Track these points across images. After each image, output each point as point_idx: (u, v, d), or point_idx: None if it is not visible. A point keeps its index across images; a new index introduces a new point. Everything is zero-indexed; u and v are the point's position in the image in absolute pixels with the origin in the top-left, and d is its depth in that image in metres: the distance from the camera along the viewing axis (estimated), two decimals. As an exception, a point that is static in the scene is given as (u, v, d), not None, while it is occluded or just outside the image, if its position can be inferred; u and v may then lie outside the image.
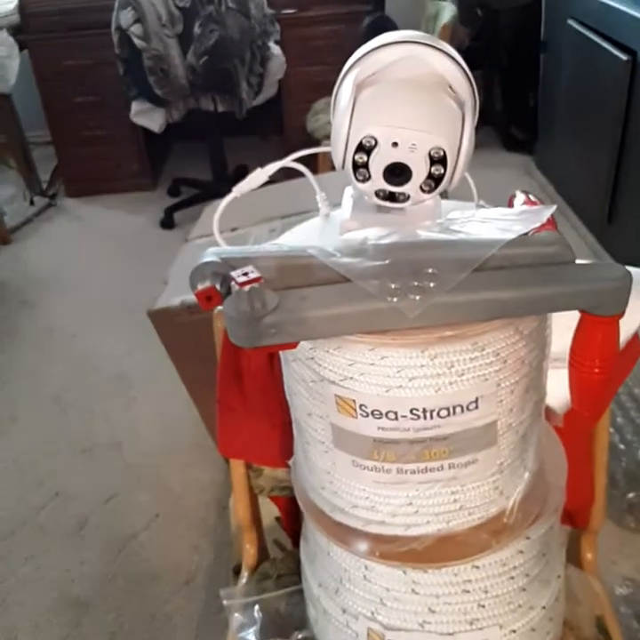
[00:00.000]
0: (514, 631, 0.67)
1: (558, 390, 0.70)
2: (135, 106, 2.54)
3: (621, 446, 1.35)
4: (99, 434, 1.84)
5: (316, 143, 2.35)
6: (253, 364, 0.82)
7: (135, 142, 3.05)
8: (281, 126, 3.10)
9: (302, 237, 0.67)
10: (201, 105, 2.53)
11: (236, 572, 1.24)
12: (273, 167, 0.66)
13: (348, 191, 0.64)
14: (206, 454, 1.69)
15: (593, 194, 2.26)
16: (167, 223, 2.86)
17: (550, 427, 0.74)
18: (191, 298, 1.56)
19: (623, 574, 1.26)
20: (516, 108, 3.12)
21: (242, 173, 3.13)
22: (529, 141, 2.99)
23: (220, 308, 0.86)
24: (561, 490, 0.68)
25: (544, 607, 0.69)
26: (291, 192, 1.87)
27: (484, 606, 0.65)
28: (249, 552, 0.96)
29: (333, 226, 0.67)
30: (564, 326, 0.60)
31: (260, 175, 0.67)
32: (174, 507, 1.59)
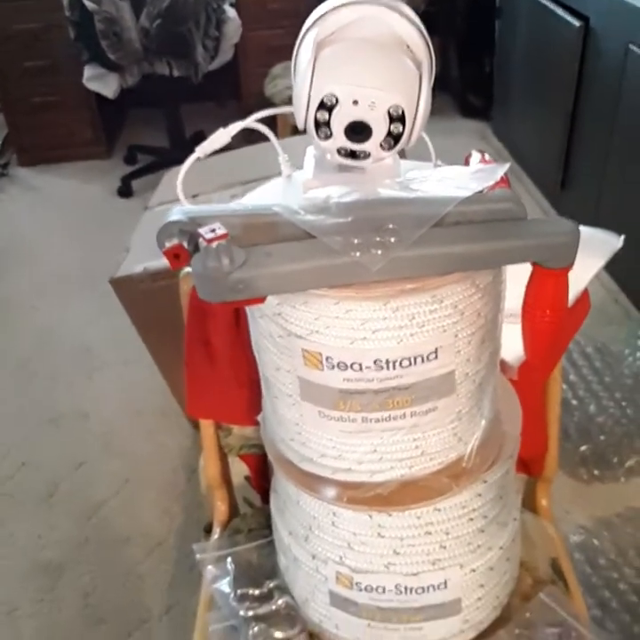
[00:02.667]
0: (473, 570, 0.71)
1: (513, 345, 0.74)
2: (88, 71, 2.48)
3: (574, 402, 1.41)
4: (64, 403, 1.83)
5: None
6: (220, 324, 0.84)
7: (89, 109, 2.97)
8: (238, 92, 3.06)
9: (265, 197, 0.69)
10: (156, 69, 2.48)
11: (207, 531, 1.27)
12: (235, 127, 0.67)
13: (310, 151, 0.66)
14: (173, 420, 1.71)
15: (547, 159, 2.31)
16: (124, 191, 2.82)
17: (505, 379, 0.78)
18: (153, 265, 1.57)
19: (576, 523, 1.33)
20: (471, 74, 3.14)
21: (199, 139, 3.04)
22: (485, 107, 3.01)
23: (186, 270, 0.88)
24: (516, 437, 0.72)
25: (502, 548, 0.73)
26: (250, 158, 1.86)
27: (445, 547, 0.69)
28: (220, 509, 0.98)
29: (295, 186, 0.68)
30: (517, 283, 0.63)
31: (222, 135, 0.68)
32: (143, 472, 1.61)
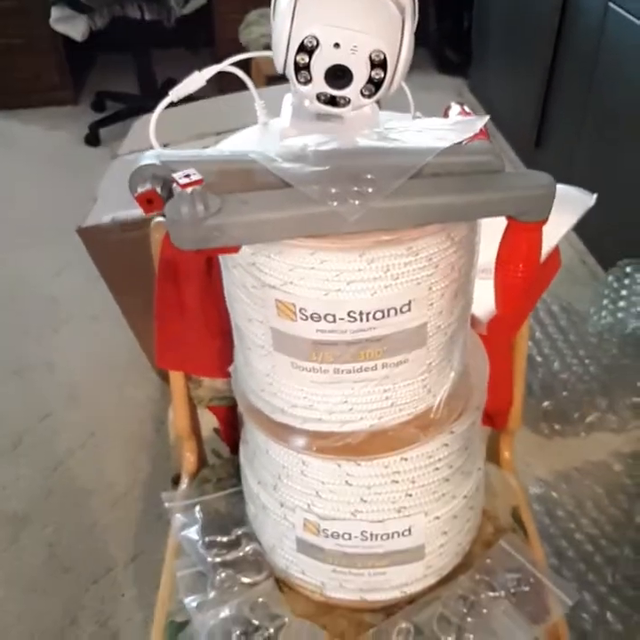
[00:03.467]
0: (437, 517, 0.73)
1: (483, 300, 0.75)
2: (55, 12, 2.37)
3: (539, 359, 1.44)
4: (30, 355, 1.81)
5: (250, 57, 2.27)
6: (191, 273, 0.83)
7: (55, 52, 2.87)
8: (211, 38, 2.97)
9: (240, 145, 0.68)
10: (127, 12, 2.38)
11: (175, 482, 1.28)
12: (210, 71, 0.65)
13: (288, 99, 0.65)
14: (141, 373, 1.70)
15: (522, 117, 2.30)
16: (92, 140, 2.74)
17: (475, 334, 0.79)
18: (123, 215, 1.54)
19: (537, 476, 1.37)
20: (450, 29, 3.10)
21: (171, 86, 2.98)
22: (462, 63, 2.99)
23: (157, 219, 0.87)
24: (483, 390, 0.73)
25: (465, 496, 0.75)
26: (224, 108, 1.82)
27: (411, 495, 0.70)
28: (189, 460, 0.99)
29: (271, 135, 0.67)
30: (491, 239, 0.64)
31: (197, 79, 0.66)
32: (110, 424, 1.61)
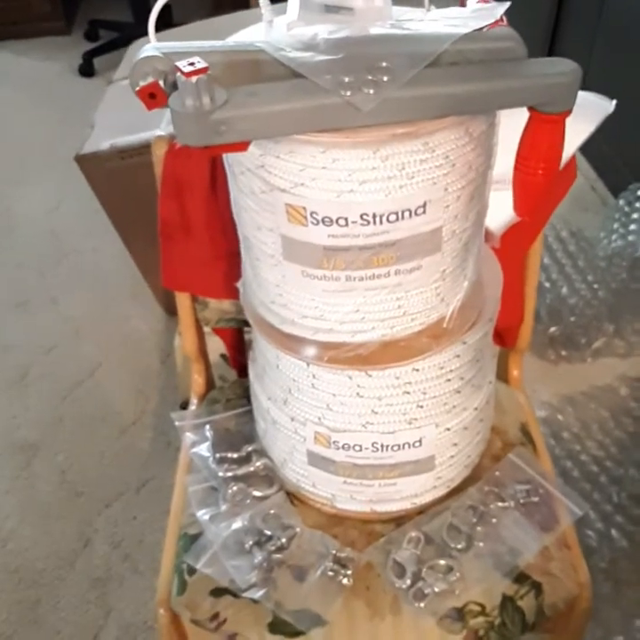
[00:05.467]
0: (448, 429, 0.73)
1: (497, 213, 0.73)
2: None
3: (547, 285, 1.43)
4: (32, 288, 1.80)
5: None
6: (196, 189, 0.81)
7: (45, -21, 2.75)
8: (207, -38, 2.85)
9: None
10: None
11: (183, 407, 1.29)
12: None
13: (294, -8, 0.61)
14: (145, 304, 1.69)
15: (534, 32, 2.22)
16: (86, 70, 2.66)
17: (487, 247, 0.77)
18: (121, 141, 1.50)
19: (542, 400, 1.38)
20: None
21: (166, 13, 2.89)
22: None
23: (158, 133, 0.84)
24: (496, 300, 0.72)
25: (476, 408, 0.75)
26: (220, 28, 1.75)
27: (422, 407, 0.70)
28: (197, 382, 0.99)
29: (276, 32, 0.64)
30: (504, 149, 0.61)
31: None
32: (116, 356, 1.61)
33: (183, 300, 0.92)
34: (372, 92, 0.48)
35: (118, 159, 1.41)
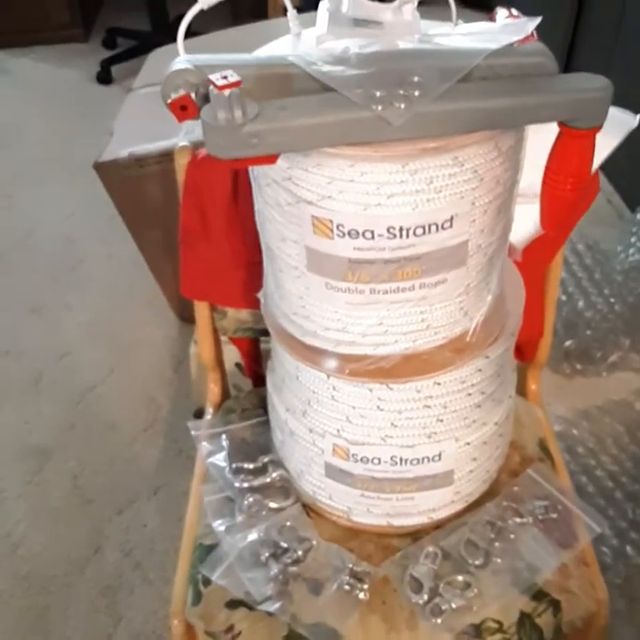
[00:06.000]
0: (468, 443, 0.73)
1: (519, 226, 0.73)
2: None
3: (563, 298, 1.42)
4: (47, 294, 1.81)
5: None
6: (218, 199, 0.81)
7: (65, -11, 2.78)
8: (224, -28, 2.87)
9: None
10: (138, -58, 2.29)
11: (197, 416, 1.29)
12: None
13: (323, 5, 0.61)
14: (158, 311, 1.70)
15: (551, 45, 2.22)
16: (104, 77, 2.68)
17: (510, 260, 0.77)
18: (139, 149, 1.50)
19: (557, 414, 1.37)
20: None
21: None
22: (486, -2, 2.87)
23: (181, 143, 0.84)
24: (518, 315, 0.72)
25: (496, 423, 0.75)
26: (239, 39, 1.76)
27: (442, 421, 0.70)
28: (213, 391, 0.99)
29: (304, 45, 0.64)
30: (529, 163, 0.61)
31: (228, -15, 0.62)
32: (129, 362, 1.61)
33: (202, 310, 0.92)
34: (403, 106, 0.48)
35: (136, 167, 1.42)
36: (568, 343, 1.39)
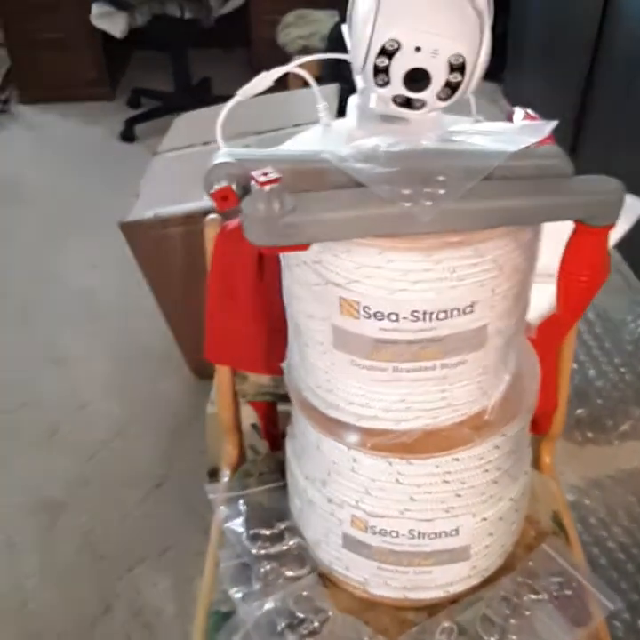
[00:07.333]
0: (485, 519, 0.74)
1: (534, 304, 0.75)
2: (96, 8, 2.41)
3: (574, 366, 1.44)
4: (66, 345, 1.84)
5: (287, 57, 2.29)
6: (245, 271, 0.84)
7: (94, 48, 2.91)
8: (246, 38, 2.99)
9: (304, 146, 0.69)
10: (167, 11, 2.41)
11: (212, 475, 1.30)
12: (278, 71, 0.67)
13: (353, 100, 0.66)
14: (175, 368, 1.72)
15: (558, 124, 2.29)
16: (128, 136, 2.78)
17: (525, 338, 0.79)
18: (164, 211, 1.56)
19: (570, 483, 1.37)
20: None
21: (206, 85, 3.03)
22: (496, 68, 2.97)
23: (211, 216, 0.88)
24: (534, 393, 0.74)
25: (512, 499, 0.76)
26: (261, 108, 1.84)
27: (460, 496, 0.71)
28: (231, 453, 1.00)
29: (335, 135, 0.68)
30: (545, 245, 0.64)
31: (265, 78, 0.67)
32: (144, 417, 1.63)
33: (223, 373, 0.95)
34: (429, 203, 0.52)
35: (160, 228, 1.47)
36: (579, 411, 1.40)
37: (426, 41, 0.51)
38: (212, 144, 1.83)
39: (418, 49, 0.52)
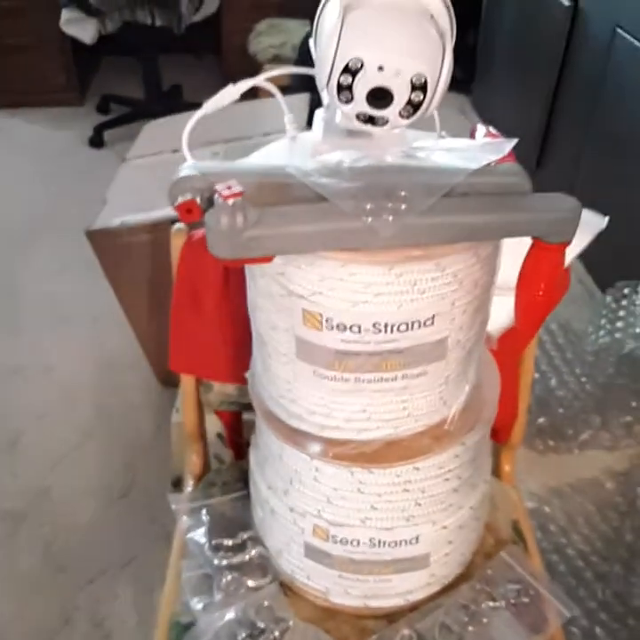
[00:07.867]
0: (445, 527, 0.75)
1: (495, 316, 0.77)
2: (65, 14, 2.39)
3: (536, 375, 1.47)
4: (28, 355, 1.81)
5: (258, 66, 2.30)
6: (210, 281, 0.84)
7: (63, 53, 2.88)
8: (217, 46, 3.00)
9: (271, 158, 0.70)
10: (137, 18, 2.40)
11: (175, 484, 1.29)
12: (245, 84, 0.67)
13: (319, 114, 0.67)
14: (140, 375, 1.71)
15: (524, 137, 2.34)
16: (96, 142, 2.75)
17: (486, 349, 0.81)
18: (131, 219, 1.55)
19: (530, 490, 1.39)
20: (455, 46, 3.13)
21: (176, 92, 3.02)
22: (466, 80, 3.02)
23: (177, 226, 0.88)
24: (494, 403, 0.75)
25: (472, 507, 0.77)
26: (230, 116, 1.84)
27: (420, 504, 0.72)
28: (195, 463, 1.00)
29: (301, 148, 0.69)
30: (504, 259, 0.66)
31: (231, 92, 0.68)
32: (108, 426, 1.61)
33: (187, 383, 0.95)
34: (391, 218, 0.53)
35: (127, 236, 1.46)
36: (541, 420, 1.43)
37: (389, 60, 0.53)
38: (180, 152, 1.82)
39: (381, 68, 0.53)
